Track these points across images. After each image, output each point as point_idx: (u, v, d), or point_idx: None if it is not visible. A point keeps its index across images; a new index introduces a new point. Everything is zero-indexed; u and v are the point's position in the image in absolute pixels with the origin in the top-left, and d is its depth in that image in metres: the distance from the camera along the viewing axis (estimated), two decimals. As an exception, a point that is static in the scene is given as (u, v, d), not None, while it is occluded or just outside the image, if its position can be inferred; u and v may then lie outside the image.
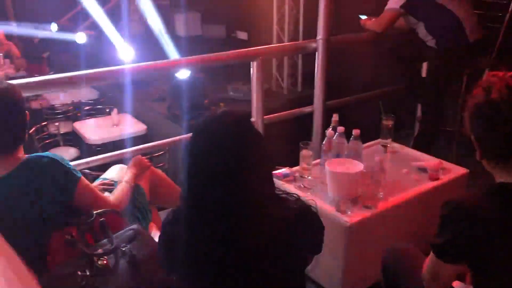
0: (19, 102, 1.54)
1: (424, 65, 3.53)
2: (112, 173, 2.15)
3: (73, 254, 1.45)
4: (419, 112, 3.55)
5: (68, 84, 2.50)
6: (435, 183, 2.26)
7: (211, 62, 3.03)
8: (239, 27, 8.79)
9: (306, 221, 1.26)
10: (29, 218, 1.52)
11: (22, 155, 1.57)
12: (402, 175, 2.36)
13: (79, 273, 1.39)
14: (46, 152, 1.61)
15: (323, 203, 2.06)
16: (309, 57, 3.38)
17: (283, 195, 1.32)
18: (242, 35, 8.75)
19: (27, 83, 2.21)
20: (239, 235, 1.17)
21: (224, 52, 2.92)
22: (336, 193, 2.07)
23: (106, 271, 1.43)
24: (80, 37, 7.23)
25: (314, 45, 3.09)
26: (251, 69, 2.85)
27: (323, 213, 1.99)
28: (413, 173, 2.38)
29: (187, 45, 7.46)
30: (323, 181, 2.21)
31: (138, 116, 5.06)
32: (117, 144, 4.87)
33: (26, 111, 1.57)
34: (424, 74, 3.52)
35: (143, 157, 2.12)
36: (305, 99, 3.91)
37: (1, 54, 6.90)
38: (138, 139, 4.83)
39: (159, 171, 2.25)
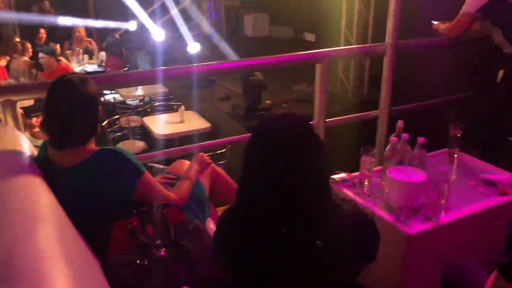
0: (93, 96, 1.63)
1: (500, 73, 3.34)
2: (175, 167, 2.23)
3: (133, 243, 1.53)
4: (491, 122, 3.36)
5: (142, 80, 2.60)
6: (504, 198, 2.14)
7: (277, 64, 3.05)
8: (306, 29, 8.75)
9: (361, 229, 1.24)
10: (94, 207, 1.61)
11: (93, 147, 1.67)
12: (468, 187, 2.25)
13: (138, 261, 1.46)
14: (114, 146, 1.71)
15: (382, 211, 2.01)
16: (377, 60, 3.32)
17: (339, 201, 1.31)
18: (310, 37, 8.70)
19: (103, 78, 2.34)
20: (291, 238, 1.18)
21: (289, 54, 2.92)
22: (397, 202, 2.01)
23: (163, 262, 1.49)
24: (158, 34, 7.49)
25: (382, 48, 3.02)
26: (316, 71, 2.83)
27: (381, 222, 1.95)
28: (480, 186, 2.26)
29: (254, 46, 7.55)
30: (383, 189, 2.16)
31: (203, 113, 5.19)
32: (182, 140, 5.04)
33: (100, 106, 1.67)
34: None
35: (205, 155, 2.17)
36: (370, 103, 3.83)
37: (81, 49, 7.34)
38: (202, 136, 4.97)
39: (220, 168, 2.30)
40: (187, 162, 2.17)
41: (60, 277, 0.95)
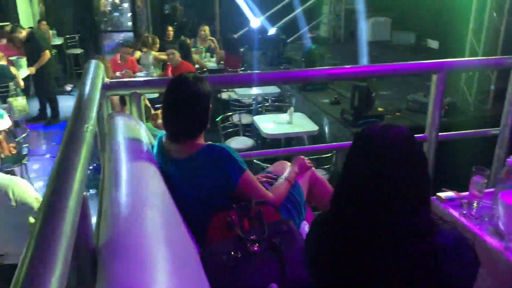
0: (205, 95, 1.75)
1: None
2: (277, 168, 2.30)
3: (229, 235, 1.61)
4: None
5: (249, 83, 2.70)
6: None
7: (390, 73, 2.97)
8: (430, 35, 8.32)
9: (457, 253, 1.18)
10: (199, 198, 1.74)
11: (202, 142, 1.80)
12: None
13: (232, 253, 1.54)
14: (221, 143, 1.82)
15: (490, 237, 1.87)
16: (506, 71, 3.06)
17: (438, 221, 1.26)
18: (433, 44, 8.26)
19: (216, 79, 2.49)
20: (379, 255, 1.16)
21: (404, 63, 2.83)
22: (508, 229, 1.86)
23: (255, 257, 1.55)
24: (272, 34, 7.67)
25: (510, 61, 2.78)
26: (432, 81, 2.71)
27: (487, 248, 1.82)
28: None
29: (373, 50, 7.37)
30: (494, 213, 2.00)
31: (312, 116, 5.22)
32: (289, 141, 5.12)
33: (210, 104, 1.79)
34: None
35: (305, 158, 2.20)
36: (493, 119, 3.55)
37: (204, 47, 7.78)
38: (309, 139, 5.01)
39: (320, 173, 2.32)
40: (289, 164, 2.22)
41: (161, 259, 1.05)
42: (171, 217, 1.41)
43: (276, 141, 5.07)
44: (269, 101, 5.96)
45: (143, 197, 1.38)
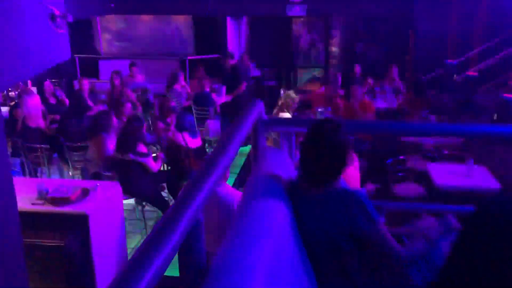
0: (343, 143, 1.81)
1: None
2: (424, 224, 2.18)
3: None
4: None
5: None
6: None
7: None
8: None
9: None
10: (324, 240, 1.78)
11: (337, 186, 1.85)
12: None
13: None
14: (356, 190, 1.84)
15: None
16: None
17: None
18: None
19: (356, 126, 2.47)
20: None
21: None
22: None
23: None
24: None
25: None
26: None
27: None
28: None
29: None
30: None
31: (495, 172, 4.69)
32: (466, 196, 4.69)
33: (348, 152, 1.83)
34: None
35: (454, 219, 2.04)
36: None
37: (391, 88, 7.67)
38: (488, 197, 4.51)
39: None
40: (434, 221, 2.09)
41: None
42: (285, 250, 1.50)
43: (449, 195, 4.70)
44: (448, 148, 5.57)
45: (266, 227, 1.50)
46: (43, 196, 3.83)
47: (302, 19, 11.37)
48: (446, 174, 4.65)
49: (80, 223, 3.74)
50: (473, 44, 8.10)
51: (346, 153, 1.83)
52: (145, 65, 10.78)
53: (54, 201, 3.80)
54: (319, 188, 1.84)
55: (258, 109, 2.18)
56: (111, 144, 4.96)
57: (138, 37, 11.58)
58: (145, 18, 11.35)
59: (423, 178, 5.21)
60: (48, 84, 6.88)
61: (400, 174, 5.26)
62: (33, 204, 3.79)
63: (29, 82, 8.88)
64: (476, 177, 4.52)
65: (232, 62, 7.80)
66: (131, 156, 4.68)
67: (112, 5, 10.07)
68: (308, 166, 1.85)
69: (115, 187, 4.26)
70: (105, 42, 11.50)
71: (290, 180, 1.96)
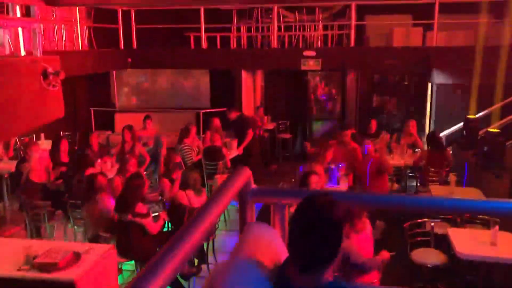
0: (336, 223, 1.53)
1: None
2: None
3: None
4: None
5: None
6: None
7: None
8: None
9: None
10: None
11: (327, 277, 1.55)
12: None
13: None
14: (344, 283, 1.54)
15: None
16: None
17: None
18: None
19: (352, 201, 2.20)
20: None
21: None
22: None
23: None
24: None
25: None
26: None
27: None
28: None
29: None
30: None
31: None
32: (492, 267, 4.28)
33: (341, 233, 1.55)
34: None
35: None
36: None
37: (408, 143, 7.37)
38: None
39: None
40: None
41: None
42: None
43: (472, 264, 4.29)
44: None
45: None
46: (29, 261, 3.60)
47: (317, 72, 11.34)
48: (468, 241, 4.26)
49: (67, 291, 3.47)
50: (494, 99, 7.83)
51: (341, 234, 1.55)
52: (162, 118, 10.80)
53: (41, 267, 3.56)
54: (308, 278, 1.55)
55: (245, 177, 1.94)
56: (108, 203, 4.75)
57: (156, 91, 11.69)
58: (164, 71, 11.48)
59: (443, 243, 4.81)
60: (64, 143, 6.75)
61: (418, 239, 4.87)
62: (18, 270, 3.56)
63: (42, 135, 8.90)
64: (502, 245, 4.11)
65: (236, 113, 7.77)
66: (129, 217, 4.45)
67: (129, 60, 10.24)
68: (296, 247, 1.58)
69: (109, 251, 4.00)
70: (121, 95, 11.62)
71: (276, 266, 1.68)
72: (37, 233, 5.79)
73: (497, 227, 4.20)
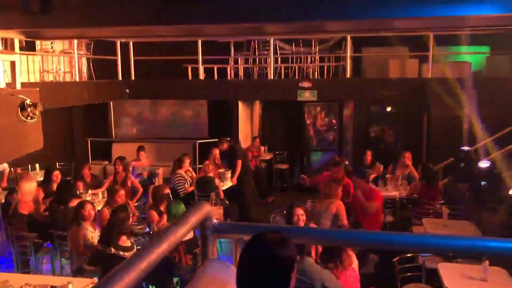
0: (287, 261, 1.48)
1: None
2: None
3: None
4: None
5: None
6: None
7: None
8: None
9: None
10: None
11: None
12: None
13: None
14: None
15: None
16: None
17: None
18: None
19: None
20: None
21: None
22: None
23: None
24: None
25: None
26: None
27: None
28: None
29: None
30: None
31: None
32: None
33: (292, 273, 1.49)
34: None
35: None
36: None
37: (403, 175, 7.28)
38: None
39: None
40: None
41: None
42: None
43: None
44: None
45: None
46: (4, 296, 3.53)
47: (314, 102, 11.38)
48: (458, 277, 4.14)
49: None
50: (491, 130, 7.76)
51: (290, 273, 1.50)
52: (160, 148, 10.80)
53: (16, 302, 3.48)
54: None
55: (203, 212, 1.90)
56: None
57: (154, 121, 11.74)
58: (163, 101, 11.55)
59: (436, 278, 4.67)
60: (56, 174, 6.77)
61: (409, 274, 4.74)
62: (-8, 304, 3.48)
63: (36, 165, 8.90)
64: (493, 280, 3.99)
65: (227, 144, 7.79)
66: (112, 250, 4.37)
67: (127, 91, 10.33)
68: (243, 284, 1.52)
69: (88, 286, 3.92)
70: (119, 125, 11.68)
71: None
72: (24, 266, 5.71)
73: (487, 262, 4.08)
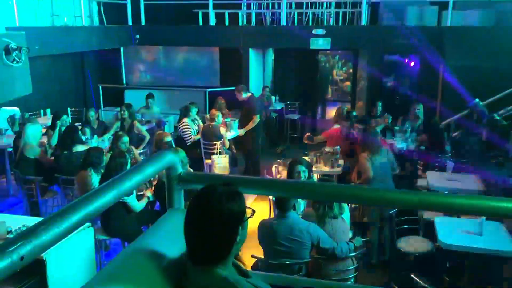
0: (232, 216, 1.44)
1: None
2: None
3: None
4: None
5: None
6: None
7: None
8: None
9: None
10: None
11: (221, 273, 1.46)
12: None
13: None
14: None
15: None
16: None
17: None
18: None
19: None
20: None
21: None
22: None
23: None
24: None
25: None
26: None
27: None
28: None
29: None
30: None
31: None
32: (475, 258, 4.13)
33: (238, 229, 1.45)
34: None
35: None
36: None
37: (410, 127, 7.13)
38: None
39: None
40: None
41: None
42: None
43: (458, 254, 4.13)
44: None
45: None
46: (2, 236, 3.64)
47: (329, 51, 11.03)
48: (454, 230, 4.09)
49: (35, 269, 3.48)
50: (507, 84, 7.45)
51: (235, 229, 1.46)
52: (171, 96, 10.77)
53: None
54: (204, 272, 1.47)
55: (168, 161, 1.86)
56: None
57: (166, 68, 11.61)
58: (175, 48, 11.38)
59: (432, 231, 4.65)
60: (64, 119, 6.82)
61: (406, 227, 4.72)
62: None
63: (48, 110, 8.99)
64: (488, 235, 3.94)
65: (243, 95, 7.51)
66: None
67: (137, 36, 10.18)
68: (188, 240, 1.49)
69: (86, 229, 4.00)
70: (130, 71, 11.62)
71: (181, 257, 1.59)
72: (33, 208, 5.88)
73: (484, 217, 4.02)
